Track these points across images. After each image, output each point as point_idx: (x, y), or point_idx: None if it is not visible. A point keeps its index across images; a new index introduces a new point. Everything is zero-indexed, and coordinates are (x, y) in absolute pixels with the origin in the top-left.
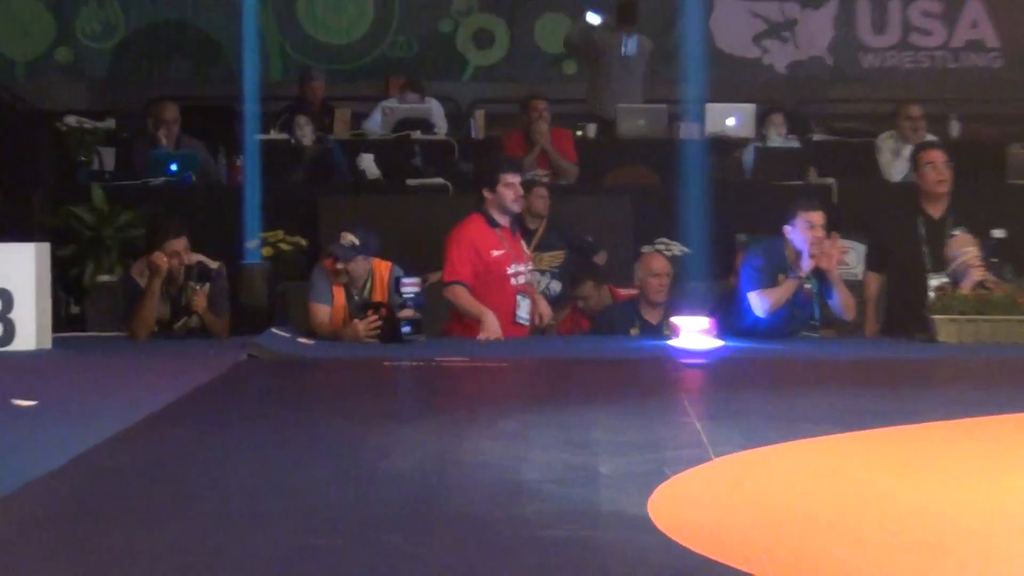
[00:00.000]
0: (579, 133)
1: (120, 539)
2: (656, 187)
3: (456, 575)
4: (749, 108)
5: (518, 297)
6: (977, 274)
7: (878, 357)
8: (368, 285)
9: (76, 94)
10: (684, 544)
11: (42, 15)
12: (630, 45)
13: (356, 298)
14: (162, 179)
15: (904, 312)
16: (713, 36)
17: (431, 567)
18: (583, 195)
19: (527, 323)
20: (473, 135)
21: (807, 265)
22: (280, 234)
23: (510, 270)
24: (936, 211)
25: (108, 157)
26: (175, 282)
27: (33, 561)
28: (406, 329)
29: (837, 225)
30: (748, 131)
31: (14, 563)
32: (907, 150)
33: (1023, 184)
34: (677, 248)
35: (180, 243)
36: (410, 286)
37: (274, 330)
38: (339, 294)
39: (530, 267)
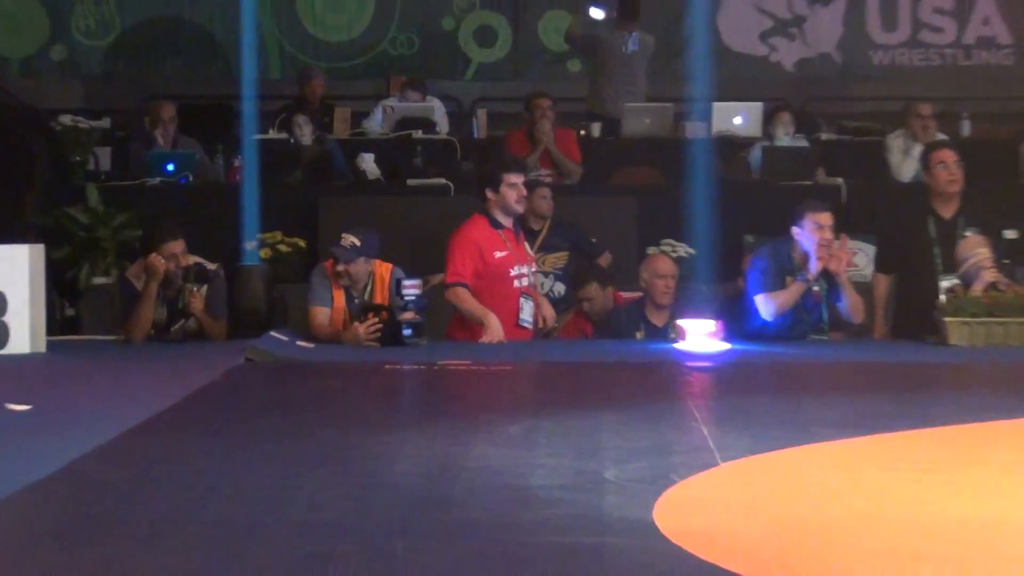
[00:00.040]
0: (582, 133)
1: (113, 551)
2: (661, 187)
3: None
4: (756, 106)
5: (521, 299)
6: (989, 275)
7: (888, 360)
8: (369, 287)
9: (71, 92)
10: (691, 551)
11: (36, 12)
12: (631, 42)
13: (356, 300)
14: (159, 179)
15: (914, 314)
16: (720, 33)
17: None
18: (587, 195)
19: (530, 326)
20: (475, 134)
21: (815, 267)
22: (279, 235)
23: (513, 272)
24: (947, 211)
25: (104, 157)
26: (172, 284)
27: None
28: (407, 332)
29: (846, 226)
30: (755, 130)
31: None
32: (917, 149)
33: None
34: (683, 249)
35: (178, 245)
36: (411, 288)
37: (273, 333)
38: (339, 296)
39: (533, 269)
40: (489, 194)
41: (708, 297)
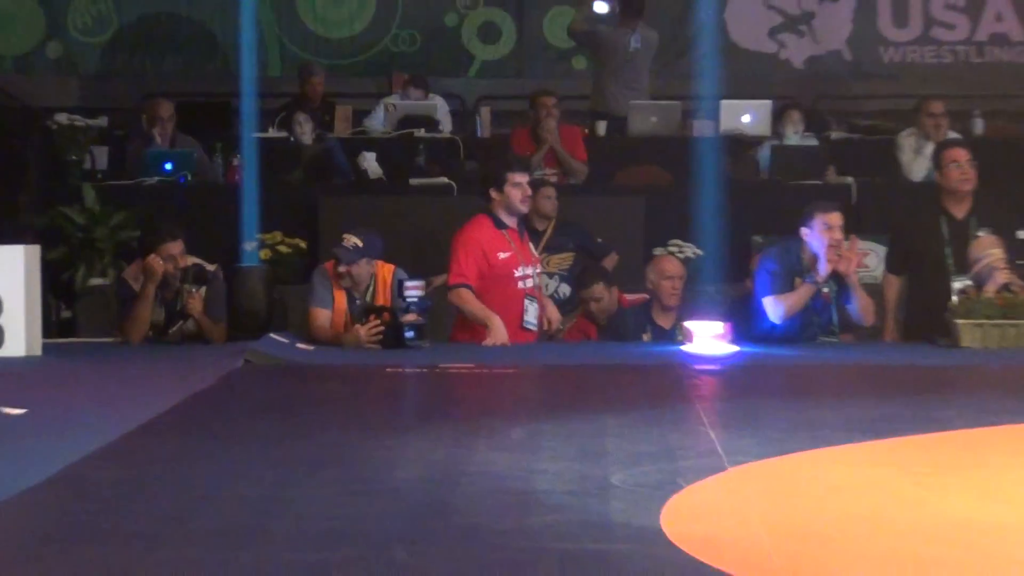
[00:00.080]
0: (585, 132)
1: (110, 557)
2: (669, 187)
3: None
4: (765, 104)
5: (526, 301)
6: (1002, 277)
7: (898, 363)
8: (370, 289)
9: (67, 90)
10: (698, 557)
11: (31, 8)
12: (634, 40)
13: (358, 302)
14: (156, 179)
15: (926, 316)
16: (728, 30)
17: None
18: (593, 195)
19: (535, 328)
20: (479, 133)
21: (824, 269)
22: (279, 236)
23: (518, 273)
24: (959, 211)
25: (100, 156)
26: (170, 286)
27: None
28: (409, 334)
29: (856, 226)
30: (764, 128)
31: None
32: (929, 148)
33: None
34: (690, 250)
35: (176, 246)
36: (414, 290)
37: (272, 335)
38: (340, 298)
39: (538, 270)
40: (493, 194)
41: (716, 299)
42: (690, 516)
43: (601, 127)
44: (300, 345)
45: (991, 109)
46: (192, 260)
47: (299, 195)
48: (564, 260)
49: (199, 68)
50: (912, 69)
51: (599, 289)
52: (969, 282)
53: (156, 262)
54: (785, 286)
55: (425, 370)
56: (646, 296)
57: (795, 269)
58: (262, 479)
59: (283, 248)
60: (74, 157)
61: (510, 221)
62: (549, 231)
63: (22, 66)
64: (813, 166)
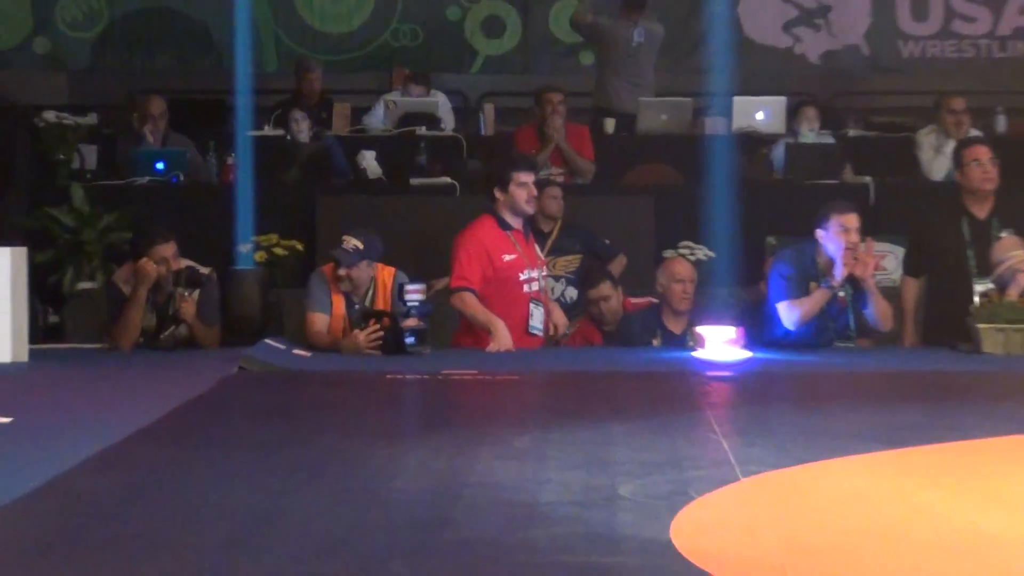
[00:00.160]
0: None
1: (98, 569)
2: (679, 187)
3: None
4: (779, 101)
5: (531, 305)
6: None
7: (917, 369)
8: (370, 292)
9: (55, 87)
10: (709, 572)
11: (18, 2)
12: (637, 34)
13: (357, 306)
14: (147, 178)
15: (946, 321)
16: (741, 23)
17: None
18: (601, 195)
19: (541, 333)
20: (482, 131)
21: (840, 273)
22: (275, 237)
23: (523, 276)
24: (981, 211)
25: (90, 155)
26: (162, 289)
27: None
28: (410, 340)
29: (874, 227)
30: (778, 126)
31: None
32: (950, 146)
33: None
34: (702, 252)
35: (168, 248)
36: (415, 293)
37: (268, 341)
38: (338, 302)
39: (544, 273)
40: (497, 194)
41: (728, 302)
42: (701, 529)
43: (609, 125)
44: (297, 351)
45: (1014, 106)
46: (185, 263)
47: (296, 195)
48: (571, 262)
49: (192, 64)
50: (932, 64)
51: (606, 287)
52: (991, 285)
53: (148, 265)
54: (800, 291)
55: (426, 377)
56: (652, 300)
57: (810, 273)
58: (256, 489)
59: (279, 250)
60: (62, 156)
61: (515, 222)
62: (555, 232)
63: (8, 62)
64: (829, 165)
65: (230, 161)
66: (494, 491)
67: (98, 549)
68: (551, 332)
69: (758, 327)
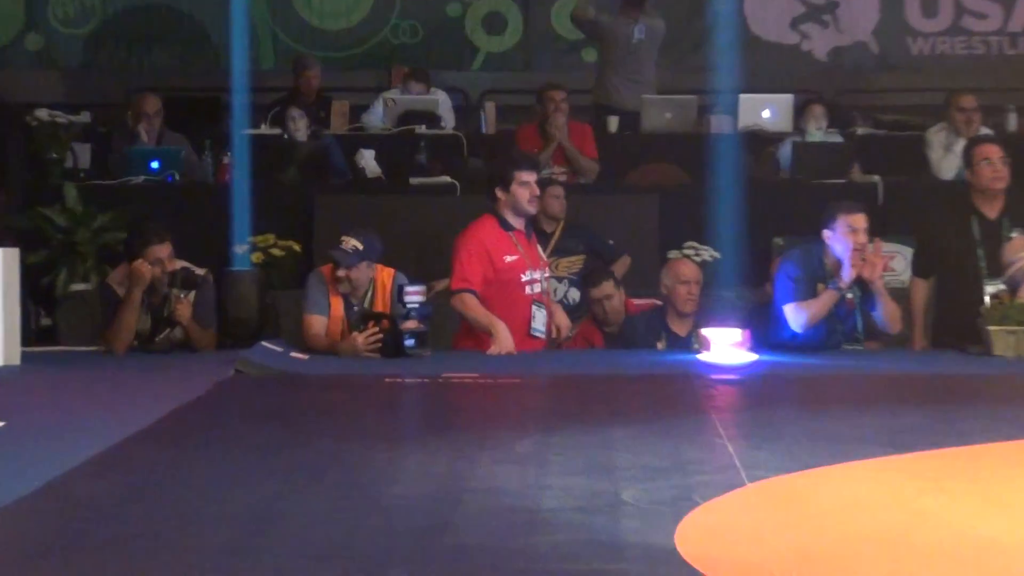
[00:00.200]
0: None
1: (105, 570)
2: (684, 186)
3: None
4: (786, 99)
5: (533, 307)
6: None
7: (927, 372)
8: (369, 294)
9: (48, 85)
10: None
11: None
12: (637, 31)
13: (355, 308)
14: (142, 178)
15: (956, 323)
16: (747, 20)
17: None
18: (604, 195)
19: (543, 336)
20: (483, 129)
21: (848, 274)
22: (271, 238)
23: (525, 277)
24: (991, 211)
25: (83, 154)
26: (157, 291)
27: None
28: (410, 342)
29: (882, 227)
30: (785, 124)
31: None
32: (960, 144)
33: None
34: (707, 253)
35: (164, 249)
36: (414, 295)
37: (265, 344)
38: (336, 304)
39: (546, 274)
40: (499, 193)
41: (734, 304)
42: (706, 535)
43: (613, 123)
44: (294, 354)
45: None
46: (180, 264)
47: (293, 195)
48: (573, 263)
49: (188, 61)
50: (942, 61)
51: (609, 286)
52: (1002, 286)
53: (143, 266)
54: (807, 292)
55: (426, 380)
56: (655, 302)
57: (817, 274)
58: (253, 494)
59: (276, 251)
60: (55, 155)
61: (517, 222)
62: (558, 233)
63: (0, 59)
64: (837, 164)
65: (226, 160)
66: (494, 496)
67: (95, 552)
68: (554, 334)
69: (764, 329)
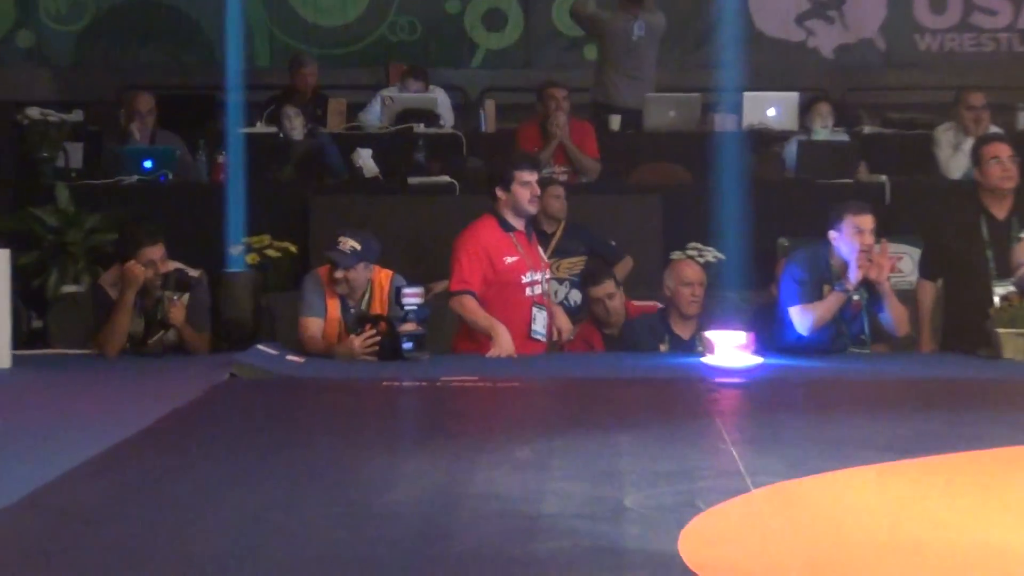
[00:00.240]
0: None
1: None
2: (688, 186)
3: None
4: (792, 97)
5: (534, 309)
6: None
7: (935, 376)
8: (366, 296)
9: (39, 82)
10: None
11: None
12: (637, 27)
13: (352, 310)
14: (135, 177)
15: (964, 325)
16: (751, 16)
17: None
18: (606, 195)
19: (544, 338)
20: (483, 128)
21: (855, 276)
22: (267, 239)
23: (525, 279)
24: (1000, 211)
25: (75, 153)
26: (150, 293)
27: None
28: (408, 345)
29: (890, 228)
30: (790, 123)
31: None
32: (968, 143)
33: None
34: (711, 254)
35: (156, 251)
36: (412, 297)
37: (260, 346)
38: (333, 306)
39: (547, 275)
40: (499, 193)
41: (738, 306)
42: (710, 541)
43: (615, 121)
44: (290, 357)
45: None
46: (174, 265)
47: (289, 195)
48: (575, 265)
49: (181, 58)
50: (950, 58)
51: (610, 285)
52: (1012, 288)
53: (135, 268)
54: (813, 294)
55: (424, 384)
56: (655, 304)
57: (823, 276)
58: (248, 500)
59: (272, 252)
60: (46, 154)
61: (517, 223)
62: (559, 233)
63: None
64: (843, 163)
65: (221, 159)
66: (494, 502)
67: (81, 562)
68: (554, 337)
69: (769, 332)
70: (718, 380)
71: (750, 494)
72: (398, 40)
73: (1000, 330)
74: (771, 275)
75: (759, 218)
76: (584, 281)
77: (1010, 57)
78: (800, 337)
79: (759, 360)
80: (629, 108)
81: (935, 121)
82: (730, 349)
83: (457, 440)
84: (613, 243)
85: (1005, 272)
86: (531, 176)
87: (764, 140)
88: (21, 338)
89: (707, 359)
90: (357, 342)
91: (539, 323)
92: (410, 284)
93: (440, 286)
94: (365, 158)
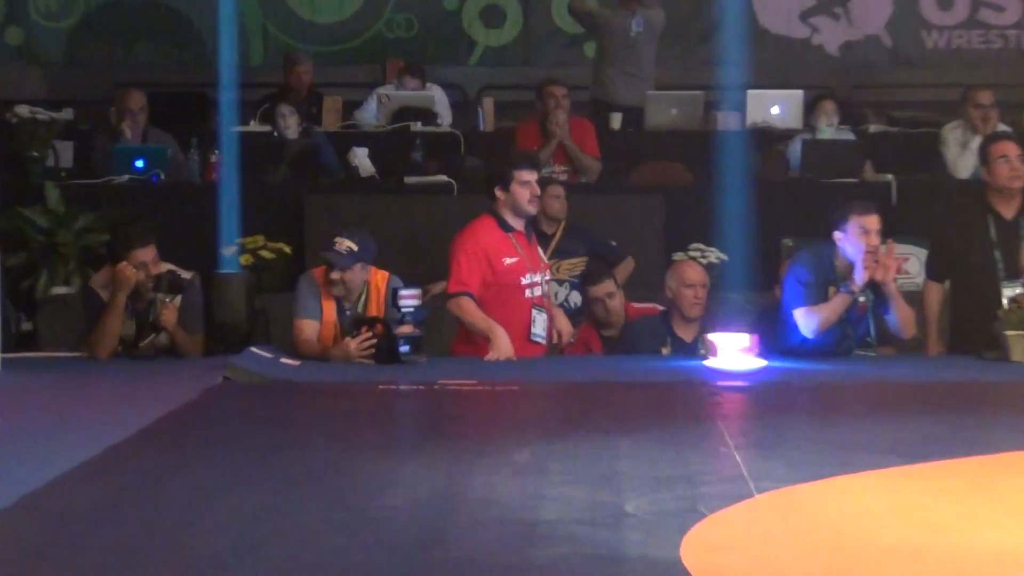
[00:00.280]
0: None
1: None
2: (690, 185)
3: None
4: (796, 95)
5: (533, 311)
6: None
7: (941, 379)
8: (362, 298)
9: (29, 80)
10: None
11: None
12: (635, 23)
13: (348, 312)
14: (126, 177)
15: (972, 327)
16: (755, 12)
17: None
18: (606, 194)
19: (543, 341)
20: (481, 126)
21: (860, 278)
22: (261, 240)
23: (525, 280)
24: (1008, 211)
25: (65, 152)
26: (142, 295)
27: None
28: (405, 348)
29: (896, 228)
30: (795, 121)
31: None
32: (976, 142)
33: None
34: (714, 255)
35: (148, 252)
36: (409, 299)
37: (254, 349)
38: (328, 308)
39: (547, 277)
40: (498, 193)
41: (742, 308)
42: (712, 548)
43: (616, 120)
44: (284, 360)
45: None
46: (166, 267)
47: (283, 195)
48: (575, 266)
49: (174, 56)
50: (958, 55)
51: (610, 284)
52: (1020, 289)
53: (127, 269)
54: (818, 296)
55: (421, 387)
56: (655, 306)
57: (828, 277)
58: (242, 506)
59: (266, 253)
60: (36, 153)
61: (517, 223)
62: (558, 234)
63: None
64: (848, 163)
65: (214, 159)
66: (492, 508)
67: (72, 568)
68: (555, 340)
69: (773, 334)
70: (721, 383)
71: (754, 499)
72: (395, 37)
73: (1008, 332)
74: (775, 276)
75: (763, 218)
76: (584, 280)
77: (1018, 54)
78: (804, 340)
79: (763, 363)
80: (627, 106)
81: (942, 119)
82: (733, 352)
83: (455, 444)
84: (614, 244)
85: (1013, 273)
86: (531, 175)
87: (768, 139)
88: (10, 341)
89: (710, 362)
90: (353, 345)
91: (539, 325)
92: (407, 286)
93: (438, 288)
94: (361, 157)
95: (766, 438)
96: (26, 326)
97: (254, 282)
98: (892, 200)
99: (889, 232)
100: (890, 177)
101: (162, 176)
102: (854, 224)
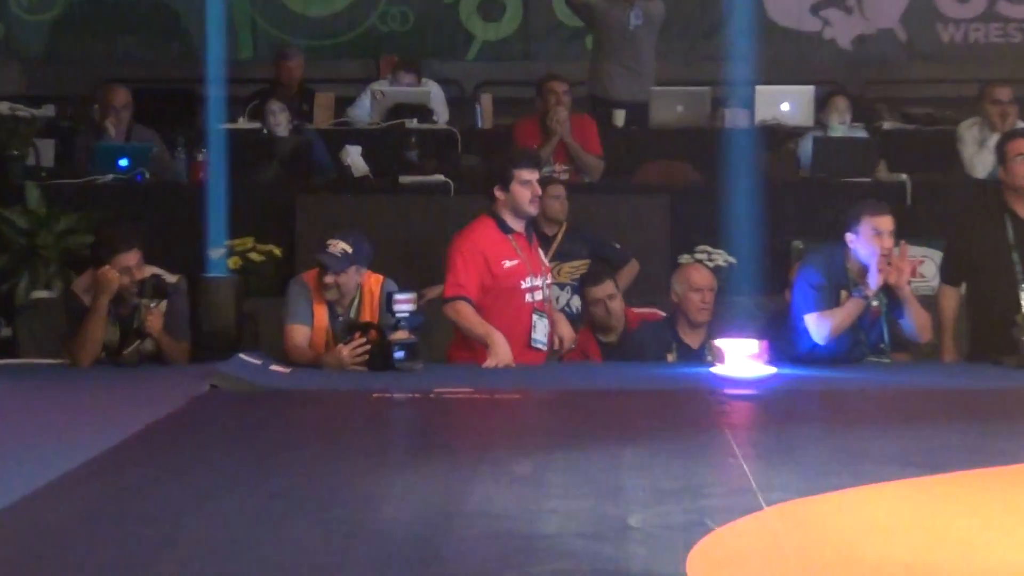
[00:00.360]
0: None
1: None
2: (697, 185)
3: None
4: (807, 91)
5: (534, 316)
6: None
7: (959, 386)
8: (355, 302)
9: (8, 76)
10: None
11: None
12: (634, 16)
13: (341, 318)
14: (110, 176)
15: (989, 332)
16: (764, 5)
17: None
18: (610, 194)
19: (544, 347)
20: (479, 124)
21: (874, 281)
22: (250, 242)
23: (525, 284)
24: None
25: (46, 150)
26: (126, 300)
27: None
28: (399, 355)
29: (911, 229)
30: (806, 118)
31: None
32: (994, 140)
33: None
34: (721, 258)
35: (132, 257)
36: (404, 303)
37: (242, 356)
38: (320, 313)
39: (548, 280)
40: (497, 193)
41: (751, 313)
42: (720, 563)
43: (619, 117)
44: (274, 367)
45: None
46: (151, 271)
47: (273, 195)
48: (577, 269)
49: (159, 50)
50: (975, 50)
51: (611, 286)
52: None
53: (110, 273)
54: (830, 301)
55: (417, 395)
56: (656, 311)
57: (840, 281)
58: (230, 519)
59: (255, 256)
60: (16, 152)
61: (517, 225)
62: (560, 236)
63: None
64: (861, 161)
65: (201, 157)
66: (490, 521)
67: None
68: (556, 346)
69: (783, 340)
70: (728, 391)
71: (762, 512)
72: (389, 31)
73: None
74: (785, 280)
75: (772, 219)
76: (583, 281)
77: None
78: (816, 346)
79: (772, 370)
80: (626, 102)
81: (958, 116)
82: (742, 358)
83: (451, 455)
84: (618, 246)
85: None
86: (531, 175)
87: (777, 137)
88: None
89: (717, 369)
90: (346, 351)
91: (539, 331)
92: (402, 290)
93: (434, 292)
94: (354, 156)
95: (775, 448)
96: (5, 332)
97: (243, 286)
98: (906, 200)
99: (903, 233)
100: (904, 176)
101: (147, 175)
102: (867, 225)
